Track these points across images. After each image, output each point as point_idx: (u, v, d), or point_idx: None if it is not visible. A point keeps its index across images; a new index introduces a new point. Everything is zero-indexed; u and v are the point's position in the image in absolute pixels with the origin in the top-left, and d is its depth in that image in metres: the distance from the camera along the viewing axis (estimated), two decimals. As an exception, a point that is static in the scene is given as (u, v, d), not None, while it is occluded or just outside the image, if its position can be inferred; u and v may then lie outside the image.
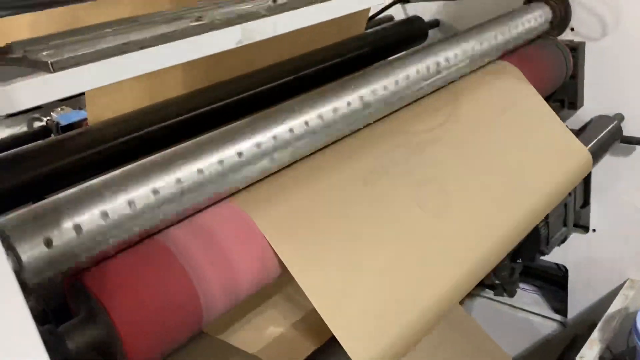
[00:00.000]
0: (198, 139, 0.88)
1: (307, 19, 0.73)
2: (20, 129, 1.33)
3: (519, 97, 1.34)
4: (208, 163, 0.84)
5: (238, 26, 0.66)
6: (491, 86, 1.33)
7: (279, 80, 1.28)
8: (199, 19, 0.67)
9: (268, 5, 0.72)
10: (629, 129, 1.59)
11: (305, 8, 0.72)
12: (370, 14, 1.75)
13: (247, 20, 0.67)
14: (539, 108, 1.36)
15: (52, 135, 1.26)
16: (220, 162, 0.85)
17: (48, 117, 1.26)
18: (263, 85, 1.25)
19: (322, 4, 0.75)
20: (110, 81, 0.58)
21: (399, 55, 1.31)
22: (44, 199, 0.76)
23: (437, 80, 1.24)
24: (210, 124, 1.10)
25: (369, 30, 1.62)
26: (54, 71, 0.53)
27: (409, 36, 1.66)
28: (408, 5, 1.87)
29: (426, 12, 1.82)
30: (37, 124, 1.29)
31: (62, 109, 1.26)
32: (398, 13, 1.88)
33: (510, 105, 1.32)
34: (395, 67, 1.16)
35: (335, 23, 0.81)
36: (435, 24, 1.83)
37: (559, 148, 1.32)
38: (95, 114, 1.09)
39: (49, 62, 0.54)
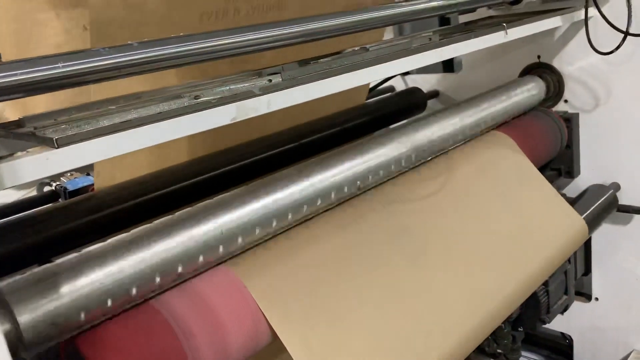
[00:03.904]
0: (196, 206, 0.92)
1: (299, 97, 0.78)
2: (30, 192, 1.38)
3: (512, 166, 1.38)
4: (205, 230, 0.87)
5: (233, 104, 0.71)
6: (485, 156, 1.37)
7: (280, 148, 1.33)
8: (197, 97, 0.72)
9: (263, 84, 0.77)
10: (626, 198, 1.61)
11: (297, 87, 0.77)
12: (372, 85, 1.82)
13: (241, 99, 0.72)
14: (533, 177, 1.39)
15: (60, 199, 1.31)
16: (217, 228, 0.88)
17: (57, 182, 1.31)
18: (264, 153, 1.30)
19: (314, 83, 0.80)
20: (110, 155, 0.62)
21: (397, 124, 1.36)
22: (51, 261, 0.79)
23: (434, 149, 1.28)
24: (211, 191, 1.15)
25: (370, 100, 1.69)
26: (58, 147, 0.58)
27: (409, 106, 1.72)
28: (408, 77, 1.95)
29: (426, 83, 1.90)
30: (46, 189, 1.34)
31: (71, 174, 1.31)
32: (399, 84, 1.96)
33: (503, 174, 1.35)
34: (393, 137, 1.20)
35: (337, 94, 0.85)
36: (434, 94, 1.90)
37: (553, 216, 1.34)
38: (102, 180, 1.13)
39: (54, 138, 0.58)
